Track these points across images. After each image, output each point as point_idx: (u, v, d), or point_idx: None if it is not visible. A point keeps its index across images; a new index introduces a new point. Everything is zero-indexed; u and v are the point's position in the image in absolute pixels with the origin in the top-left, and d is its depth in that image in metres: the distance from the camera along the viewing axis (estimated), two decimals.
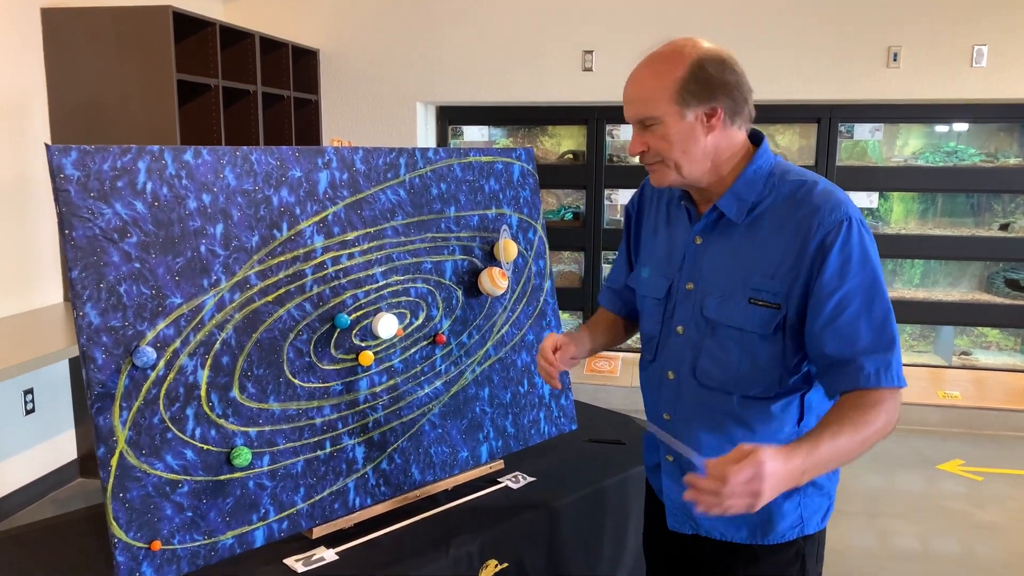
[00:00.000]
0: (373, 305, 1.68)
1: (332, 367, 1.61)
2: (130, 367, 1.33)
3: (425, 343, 1.78)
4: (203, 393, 1.42)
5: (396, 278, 1.72)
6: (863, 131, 4.48)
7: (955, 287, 4.81)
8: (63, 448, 3.58)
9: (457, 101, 4.65)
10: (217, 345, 1.44)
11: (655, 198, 1.48)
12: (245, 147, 1.51)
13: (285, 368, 1.54)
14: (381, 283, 1.69)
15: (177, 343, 1.39)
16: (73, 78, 3.33)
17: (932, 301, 4.66)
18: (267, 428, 1.50)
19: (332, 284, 1.61)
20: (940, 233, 4.62)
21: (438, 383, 1.80)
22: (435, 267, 1.80)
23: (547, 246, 2.06)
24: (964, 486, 3.64)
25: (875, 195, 4.62)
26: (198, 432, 1.41)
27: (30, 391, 3.35)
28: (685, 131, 1.24)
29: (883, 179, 4.58)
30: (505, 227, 1.93)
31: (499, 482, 1.83)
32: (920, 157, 4.62)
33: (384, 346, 1.70)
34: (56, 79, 3.34)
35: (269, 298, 1.51)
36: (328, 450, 1.59)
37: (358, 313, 1.65)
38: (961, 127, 4.58)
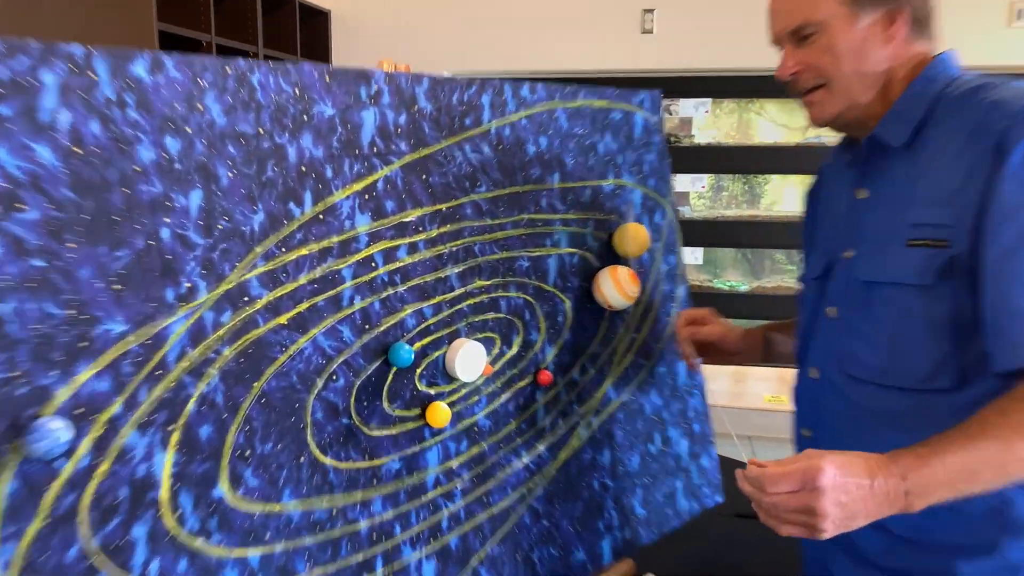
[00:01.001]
0: (447, 327, 1.05)
1: (385, 432, 0.98)
2: (20, 460, 0.70)
3: (522, 384, 1.15)
4: (164, 495, 0.79)
5: (480, 283, 1.09)
6: None
7: None
8: None
9: (490, 71, 4.01)
10: (191, 405, 0.81)
11: (829, 173, 1.17)
12: (242, 60, 0.88)
13: (309, 438, 0.91)
14: (459, 291, 1.07)
15: (116, 405, 0.76)
16: (25, 23, 2.69)
17: None
18: (279, 547, 0.87)
19: (384, 294, 0.98)
20: None
21: (541, 447, 1.17)
22: (534, 265, 1.17)
23: (679, 235, 1.43)
24: None
25: None
26: (155, 568, 0.78)
27: None
28: (857, 40, 0.98)
29: None
30: (629, 205, 1.31)
31: None
32: None
33: (464, 393, 1.07)
34: (4, 25, 2.71)
35: (282, 319, 0.88)
36: (380, 572, 0.96)
37: (425, 341, 1.02)
38: None
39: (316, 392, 0.91)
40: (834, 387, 1.03)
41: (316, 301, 0.91)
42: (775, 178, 4.11)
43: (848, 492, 0.78)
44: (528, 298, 1.16)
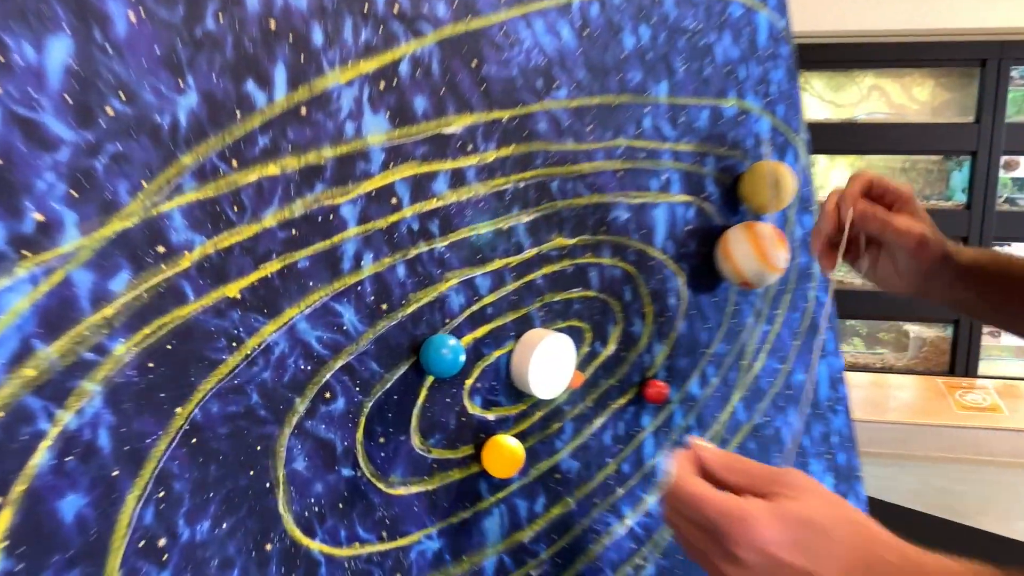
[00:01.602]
0: (513, 311, 0.65)
1: (416, 488, 0.58)
2: None
3: (622, 402, 0.74)
4: None
5: (561, 241, 0.69)
6: None
7: None
8: None
9: None
10: (42, 455, 0.40)
11: None
12: None
13: (283, 507, 0.50)
14: (530, 252, 0.66)
15: None
16: None
17: None
18: None
19: (412, 253, 0.58)
20: None
21: (651, 500, 0.76)
22: (635, 218, 0.76)
23: (814, 188, 1.02)
24: None
25: None
26: None
27: None
28: None
29: None
30: (758, 138, 0.91)
31: None
32: None
33: (539, 417, 0.67)
34: None
35: (230, 290, 0.48)
36: None
37: (479, 332, 0.62)
38: None
39: (295, 423, 0.51)
40: None
41: (294, 260, 0.51)
42: (822, 159, 3.72)
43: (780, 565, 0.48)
44: (628, 268, 0.75)
